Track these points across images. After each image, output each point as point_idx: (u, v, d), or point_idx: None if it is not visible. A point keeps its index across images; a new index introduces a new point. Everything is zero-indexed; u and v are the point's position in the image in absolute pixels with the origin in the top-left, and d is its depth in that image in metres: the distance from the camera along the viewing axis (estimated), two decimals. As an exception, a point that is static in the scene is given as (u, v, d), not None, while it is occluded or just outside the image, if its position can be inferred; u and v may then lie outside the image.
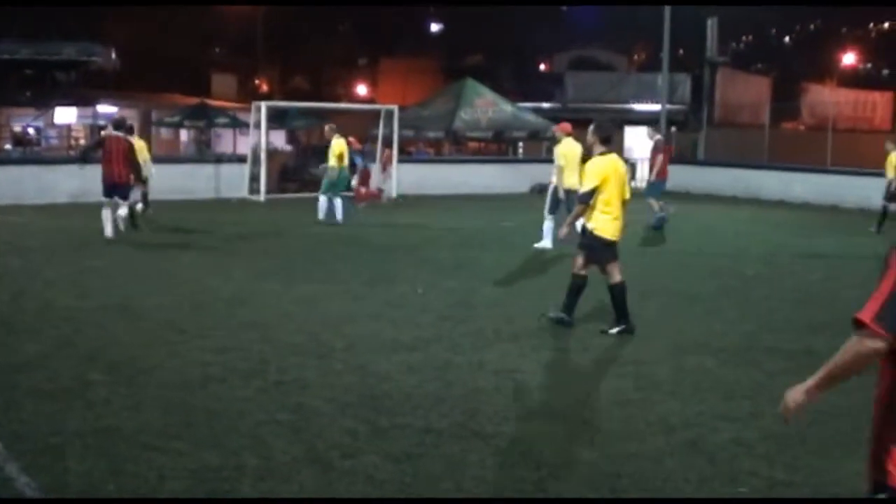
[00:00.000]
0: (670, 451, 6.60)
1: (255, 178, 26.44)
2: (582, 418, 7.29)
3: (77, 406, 7.28)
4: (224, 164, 27.86)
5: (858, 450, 6.69)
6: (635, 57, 72.66)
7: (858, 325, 3.66)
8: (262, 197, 25.67)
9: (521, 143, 38.61)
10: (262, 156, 26.17)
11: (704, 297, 12.67)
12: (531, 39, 68.89)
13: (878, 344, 3.60)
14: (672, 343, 9.85)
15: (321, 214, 20.48)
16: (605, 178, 10.06)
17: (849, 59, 76.06)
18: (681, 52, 49.82)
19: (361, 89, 70.79)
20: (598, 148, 10.30)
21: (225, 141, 45.93)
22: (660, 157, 20.41)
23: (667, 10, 34.15)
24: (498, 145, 40.75)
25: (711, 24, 38.99)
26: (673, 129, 38.88)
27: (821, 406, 7.54)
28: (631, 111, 42.61)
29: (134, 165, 17.45)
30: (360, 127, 33.37)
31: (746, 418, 7.21)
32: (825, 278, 14.70)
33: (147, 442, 6.52)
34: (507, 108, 34.86)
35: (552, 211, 16.99)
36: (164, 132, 47.93)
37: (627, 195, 10.40)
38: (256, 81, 66.85)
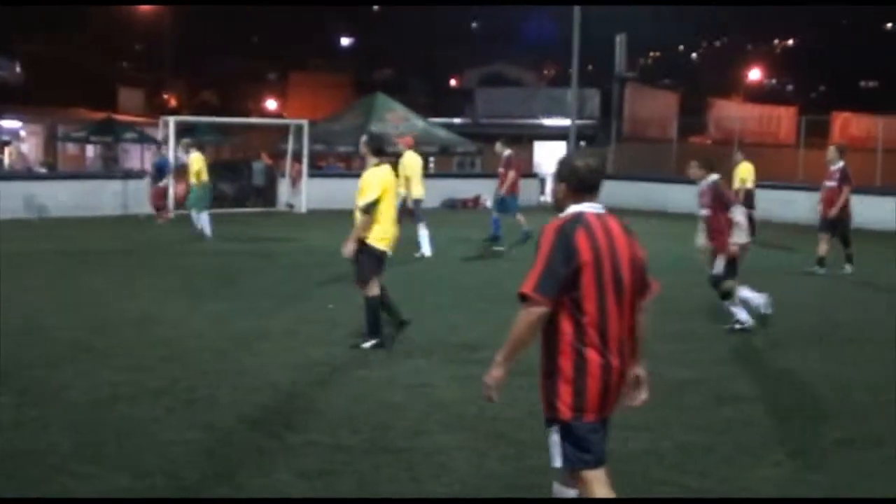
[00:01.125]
0: (583, 463, 6.64)
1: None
2: (495, 432, 7.31)
3: (-18, 429, 7.13)
4: (132, 180, 27.48)
5: (765, 457, 6.85)
6: (545, 72, 73.44)
7: (523, 298, 4.42)
8: (170, 213, 25.38)
9: (431, 159, 38.68)
10: (170, 172, 25.85)
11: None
12: (442, 55, 69.35)
13: (542, 309, 4.43)
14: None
15: (197, 229, 20.51)
16: (383, 189, 10.01)
17: (754, 74, 77.85)
18: (590, 67, 50.38)
19: (271, 104, 70.49)
20: (372, 160, 10.18)
21: (132, 156, 45.33)
22: (511, 173, 20.09)
23: (576, 25, 34.49)
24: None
25: (620, 40, 39.46)
26: (582, 143, 39.24)
27: (731, 415, 7.72)
28: (541, 126, 42.99)
29: None
30: (270, 141, 33.22)
31: (658, 428, 7.29)
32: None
33: (57, 464, 6.41)
34: (418, 122, 34.98)
35: (419, 220, 17.95)
36: (71, 147, 47.17)
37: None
38: (164, 96, 66.15)
